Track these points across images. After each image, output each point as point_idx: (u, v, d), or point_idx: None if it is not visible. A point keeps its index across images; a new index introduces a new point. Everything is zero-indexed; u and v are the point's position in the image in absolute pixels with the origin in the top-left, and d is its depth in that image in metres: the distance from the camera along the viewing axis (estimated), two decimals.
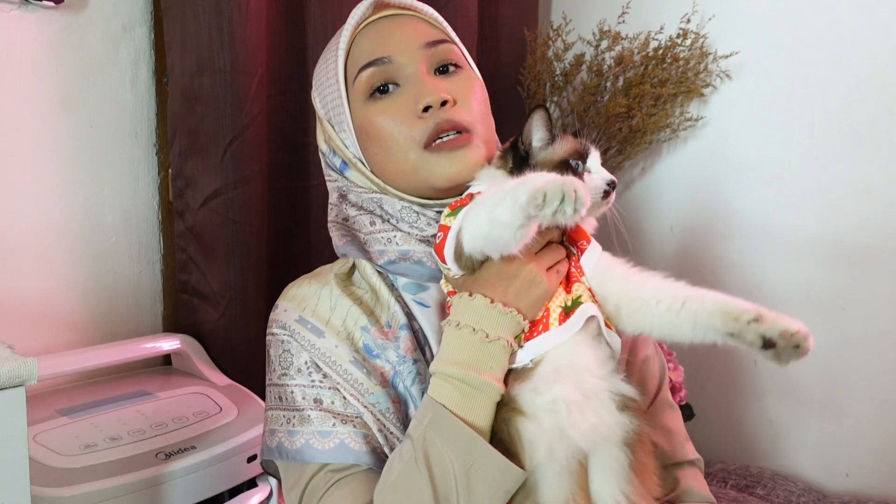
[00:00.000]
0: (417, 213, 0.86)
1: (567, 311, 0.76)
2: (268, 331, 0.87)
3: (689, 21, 1.68)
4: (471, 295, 0.75)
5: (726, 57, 1.68)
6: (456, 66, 0.87)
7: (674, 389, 1.48)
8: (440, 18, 0.90)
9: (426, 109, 0.82)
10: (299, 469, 0.81)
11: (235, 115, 1.29)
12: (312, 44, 1.45)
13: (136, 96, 1.32)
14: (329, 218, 0.93)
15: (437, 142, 0.82)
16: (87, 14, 1.24)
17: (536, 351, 0.75)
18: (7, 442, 0.69)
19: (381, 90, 0.84)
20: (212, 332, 1.35)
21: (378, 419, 0.80)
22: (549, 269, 0.78)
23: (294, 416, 0.82)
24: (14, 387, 0.69)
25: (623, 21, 1.73)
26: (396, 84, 0.84)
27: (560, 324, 0.75)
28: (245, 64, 1.29)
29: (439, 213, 0.85)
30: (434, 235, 0.84)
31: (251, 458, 1.10)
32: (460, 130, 0.83)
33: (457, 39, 0.90)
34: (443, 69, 0.86)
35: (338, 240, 0.89)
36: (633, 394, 0.76)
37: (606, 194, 0.81)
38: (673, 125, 1.73)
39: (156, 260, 1.39)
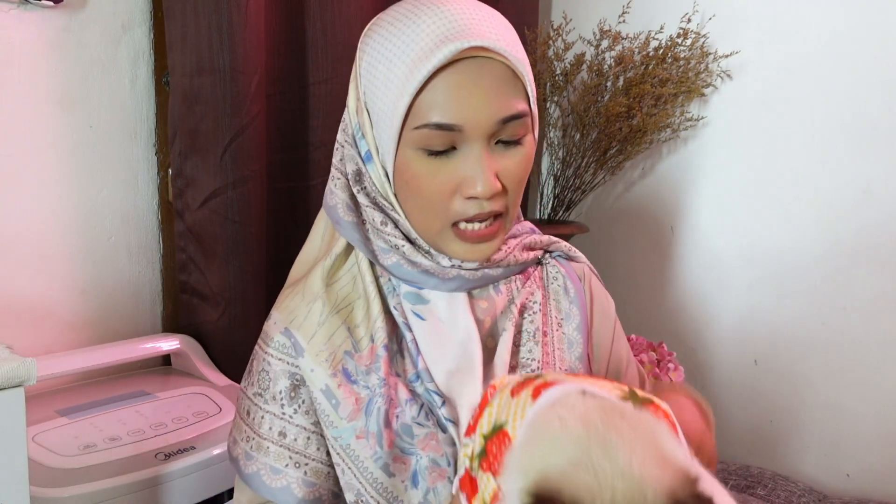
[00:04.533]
0: (431, 250, 0.83)
1: None
2: (258, 340, 0.86)
3: (689, 21, 1.68)
4: None
5: (727, 57, 1.68)
6: (521, 139, 0.80)
7: None
8: (525, 69, 0.79)
9: (472, 196, 0.77)
10: (249, 492, 0.82)
11: (235, 115, 1.29)
12: (312, 44, 1.45)
13: (136, 96, 1.32)
14: (333, 178, 0.85)
15: (466, 228, 0.79)
16: (86, 14, 1.24)
17: None
18: (6, 442, 0.69)
19: (440, 150, 0.77)
20: (211, 332, 1.35)
21: (338, 453, 0.79)
22: None
23: (254, 441, 0.81)
24: (13, 387, 0.69)
25: (623, 21, 1.73)
26: (455, 147, 0.77)
27: None
28: (245, 64, 1.29)
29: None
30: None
31: None
32: (495, 216, 0.80)
33: (532, 94, 0.81)
34: (507, 142, 0.79)
35: (344, 211, 0.83)
36: None
37: None
38: (673, 125, 1.73)
39: (155, 260, 1.38)
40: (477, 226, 0.79)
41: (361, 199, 0.83)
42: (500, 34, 0.78)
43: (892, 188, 1.53)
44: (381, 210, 0.82)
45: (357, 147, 0.83)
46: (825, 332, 1.63)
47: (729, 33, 1.69)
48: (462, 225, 0.79)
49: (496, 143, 0.78)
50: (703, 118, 1.75)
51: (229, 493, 1.08)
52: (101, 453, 0.99)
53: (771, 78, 1.67)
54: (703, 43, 1.68)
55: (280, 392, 0.82)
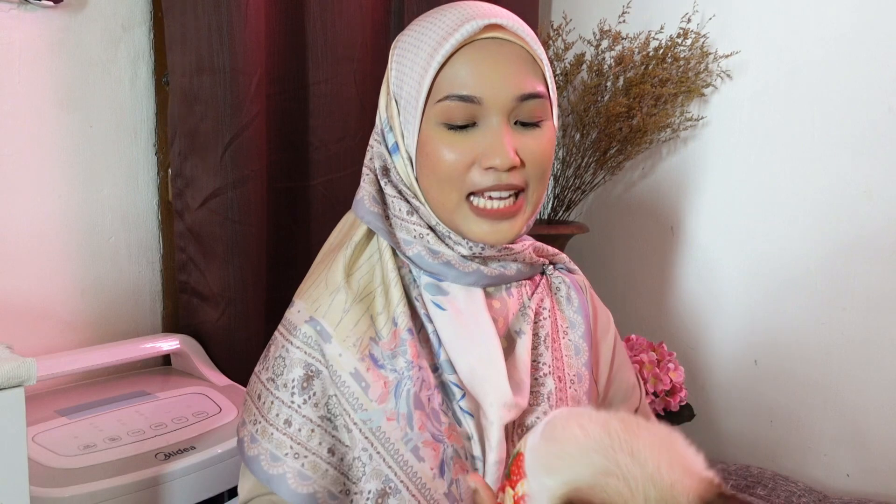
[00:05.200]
0: (450, 233, 0.85)
1: None
2: (279, 326, 0.86)
3: (689, 21, 1.68)
4: None
5: (727, 57, 1.68)
6: (540, 122, 0.83)
7: (674, 390, 1.48)
8: (544, 58, 0.84)
9: (490, 167, 0.80)
10: (252, 479, 0.82)
11: (235, 115, 1.29)
12: (312, 44, 1.45)
13: (136, 96, 1.32)
14: (365, 170, 0.89)
15: (486, 205, 0.81)
16: (86, 13, 1.24)
17: None
18: (6, 442, 0.69)
19: (459, 126, 0.81)
20: (211, 332, 1.35)
21: (367, 437, 0.79)
22: None
23: (261, 425, 0.82)
24: (13, 387, 0.69)
25: (623, 21, 1.73)
26: (475, 124, 0.81)
27: None
28: (245, 64, 1.29)
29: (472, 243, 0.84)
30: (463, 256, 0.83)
31: None
32: (512, 196, 0.82)
33: (550, 84, 0.85)
34: (525, 123, 0.83)
35: (369, 201, 0.85)
36: None
37: None
38: (673, 125, 1.73)
39: (155, 260, 1.38)
40: (497, 203, 0.81)
41: (388, 190, 0.86)
42: (518, 20, 0.83)
43: (893, 189, 1.53)
44: (406, 200, 0.85)
45: (385, 142, 0.87)
46: (825, 332, 1.63)
47: (729, 33, 1.69)
48: (482, 203, 0.82)
49: (515, 123, 0.82)
50: (703, 118, 1.75)
51: (229, 493, 1.08)
52: (101, 453, 0.99)
53: (771, 78, 1.67)
54: (703, 43, 1.68)
55: (293, 380, 0.81)
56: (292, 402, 0.81)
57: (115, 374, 1.30)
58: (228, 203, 1.31)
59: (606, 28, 1.72)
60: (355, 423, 0.80)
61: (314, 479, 0.79)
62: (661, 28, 1.69)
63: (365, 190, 0.87)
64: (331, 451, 0.80)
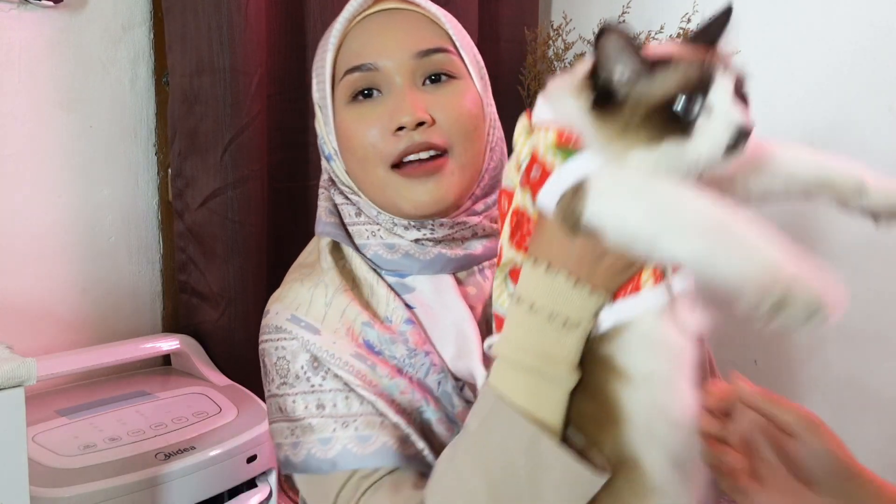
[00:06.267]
0: (393, 221, 0.82)
1: (663, 272, 0.62)
2: (260, 339, 0.83)
3: (689, 21, 1.68)
4: (550, 267, 0.62)
5: None
6: (449, 76, 0.80)
7: None
8: (444, 18, 0.82)
9: (401, 129, 0.77)
10: (323, 482, 0.75)
11: (235, 115, 1.29)
12: (312, 44, 1.45)
13: (136, 96, 1.32)
14: (320, 191, 0.89)
15: (408, 165, 0.78)
16: (86, 14, 1.24)
17: (623, 316, 0.62)
18: (6, 442, 0.69)
19: (365, 94, 0.79)
20: (211, 332, 1.35)
21: (394, 402, 0.76)
22: None
23: (296, 427, 0.77)
24: (13, 387, 0.69)
25: (623, 21, 1.73)
26: (380, 91, 0.79)
27: (655, 283, 0.61)
28: (245, 64, 1.29)
29: (416, 221, 0.81)
30: (416, 240, 0.81)
31: (251, 459, 1.10)
32: (436, 153, 0.78)
33: (459, 43, 0.82)
34: (434, 78, 0.80)
35: (325, 214, 0.85)
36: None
37: (735, 147, 0.56)
38: None
39: (155, 260, 1.38)
40: (416, 159, 0.78)
41: (338, 199, 0.85)
42: None
43: None
44: (352, 202, 0.84)
45: (324, 155, 0.86)
46: (825, 331, 1.63)
47: (728, 33, 1.68)
48: (404, 167, 0.78)
49: (424, 82, 0.80)
50: None
51: (230, 493, 1.09)
52: (101, 453, 0.99)
53: (770, 78, 1.67)
54: None
55: (302, 367, 0.78)
56: (312, 387, 0.77)
57: (115, 374, 1.29)
58: (228, 203, 1.31)
59: None
60: (379, 395, 0.76)
61: (375, 434, 0.74)
62: (661, 28, 1.69)
63: (321, 206, 0.86)
64: (373, 406, 0.76)
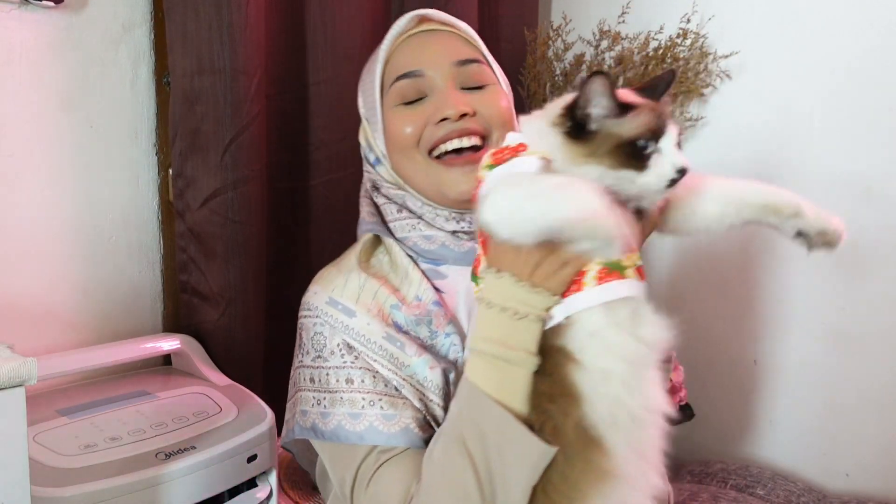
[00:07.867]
0: (436, 212, 0.91)
1: (610, 270, 0.74)
2: (300, 313, 0.91)
3: (689, 21, 1.68)
4: (498, 271, 0.75)
5: (726, 57, 1.68)
6: (484, 85, 0.93)
7: (674, 390, 1.48)
8: (475, 36, 0.96)
9: (444, 120, 0.88)
10: (348, 451, 0.84)
11: (235, 116, 1.29)
12: (312, 44, 1.45)
13: (136, 96, 1.32)
14: (361, 199, 0.99)
15: (448, 156, 0.89)
16: (86, 14, 1.24)
17: (570, 310, 0.74)
18: (7, 442, 0.70)
19: (413, 101, 0.91)
20: (212, 332, 1.35)
21: (417, 389, 0.84)
22: None
23: (326, 398, 0.86)
24: (14, 387, 0.69)
25: (623, 21, 1.73)
26: (425, 96, 0.91)
27: (598, 283, 0.74)
28: (245, 64, 1.29)
29: (457, 212, 0.91)
30: (454, 232, 0.91)
31: (251, 458, 1.10)
32: (475, 144, 0.89)
33: (489, 57, 0.96)
34: (471, 88, 0.92)
35: (367, 216, 0.95)
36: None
37: (673, 183, 0.73)
38: None
39: (156, 260, 1.38)
40: (457, 145, 0.88)
41: (380, 200, 0.96)
42: (447, 14, 0.96)
43: (892, 188, 1.53)
44: (395, 202, 0.94)
45: (369, 163, 0.97)
46: (825, 331, 1.63)
47: (728, 33, 1.69)
48: (445, 156, 0.89)
49: (462, 89, 0.91)
50: (702, 118, 1.75)
51: (230, 493, 1.09)
52: (101, 453, 0.99)
53: (770, 78, 1.67)
54: (703, 43, 1.68)
55: (338, 345, 0.87)
56: (344, 363, 0.86)
57: (115, 374, 1.30)
58: (229, 203, 1.32)
59: (606, 28, 1.72)
60: (404, 380, 0.84)
61: (398, 414, 0.83)
62: (661, 28, 1.69)
63: (363, 211, 0.97)
64: (398, 389, 0.85)
